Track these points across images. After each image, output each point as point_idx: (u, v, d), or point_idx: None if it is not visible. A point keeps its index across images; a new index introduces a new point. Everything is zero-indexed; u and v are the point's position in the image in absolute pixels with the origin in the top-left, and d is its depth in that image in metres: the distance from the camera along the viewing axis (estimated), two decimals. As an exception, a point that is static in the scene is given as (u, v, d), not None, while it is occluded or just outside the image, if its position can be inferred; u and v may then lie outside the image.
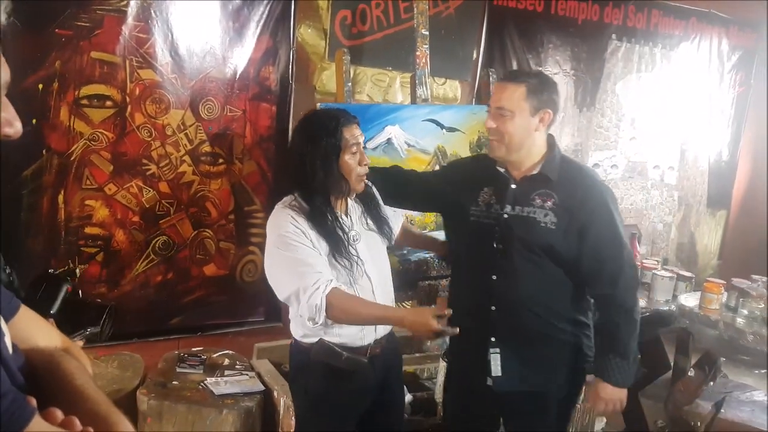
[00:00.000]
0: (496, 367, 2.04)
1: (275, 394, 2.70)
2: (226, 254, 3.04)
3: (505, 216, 2.02)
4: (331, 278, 1.84)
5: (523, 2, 3.63)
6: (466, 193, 2.09)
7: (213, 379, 2.71)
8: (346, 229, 1.95)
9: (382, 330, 2.02)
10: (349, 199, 2.01)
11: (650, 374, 3.54)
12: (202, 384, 2.67)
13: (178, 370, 2.76)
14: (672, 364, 3.63)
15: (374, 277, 1.98)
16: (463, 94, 3.56)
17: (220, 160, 2.95)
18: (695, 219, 4.69)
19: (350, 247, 1.91)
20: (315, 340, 1.95)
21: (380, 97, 3.30)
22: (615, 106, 4.15)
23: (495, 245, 2.02)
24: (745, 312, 2.96)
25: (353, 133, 1.91)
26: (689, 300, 3.11)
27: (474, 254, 2.08)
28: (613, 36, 4.01)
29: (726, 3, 4.33)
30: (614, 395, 2.04)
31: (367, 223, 2.05)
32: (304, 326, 1.95)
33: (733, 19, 4.43)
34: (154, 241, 2.85)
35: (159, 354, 2.88)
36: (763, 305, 2.94)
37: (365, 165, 1.93)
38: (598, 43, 3.97)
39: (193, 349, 2.94)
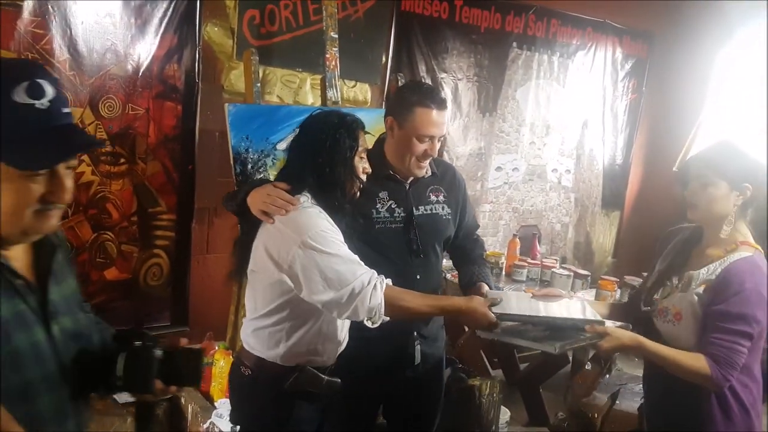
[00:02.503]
0: (418, 356, 2.18)
1: (183, 400, 2.63)
2: (128, 257, 2.94)
3: (413, 218, 2.13)
4: (380, 274, 1.74)
5: (429, 9, 3.70)
6: (362, 201, 2.00)
7: (115, 387, 2.62)
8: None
9: (345, 342, 1.93)
10: None
11: (550, 368, 3.72)
12: (103, 393, 2.57)
13: (78, 379, 2.64)
14: (570, 358, 3.83)
15: None
16: (373, 97, 3.60)
17: (122, 160, 2.85)
18: (590, 219, 4.93)
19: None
20: (296, 360, 1.80)
21: (291, 98, 3.28)
22: (515, 112, 4.30)
23: (415, 246, 2.13)
24: (636, 307, 3.14)
25: (364, 138, 1.88)
26: (585, 297, 3.27)
27: (394, 258, 2.09)
28: (514, 44, 4.14)
29: (620, 13, 4.55)
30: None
31: None
32: (284, 344, 1.79)
33: (626, 29, 4.66)
34: (50, 245, 2.72)
35: (56, 363, 2.74)
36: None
37: (366, 173, 1.89)
38: (500, 50, 4.10)
39: (94, 357, 2.82)
